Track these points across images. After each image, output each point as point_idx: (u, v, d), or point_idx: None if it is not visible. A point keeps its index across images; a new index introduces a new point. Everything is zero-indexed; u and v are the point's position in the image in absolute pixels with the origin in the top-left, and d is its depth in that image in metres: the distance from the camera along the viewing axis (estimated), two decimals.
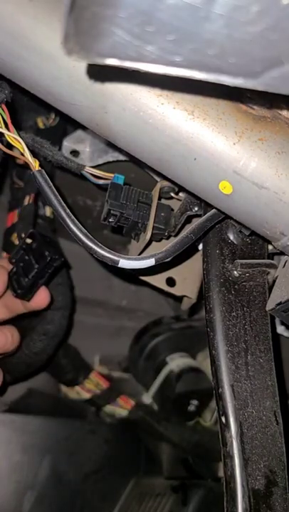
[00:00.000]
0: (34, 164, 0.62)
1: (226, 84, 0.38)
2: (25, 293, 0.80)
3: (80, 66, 0.52)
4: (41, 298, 0.82)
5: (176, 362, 1.18)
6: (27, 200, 0.92)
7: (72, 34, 0.34)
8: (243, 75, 0.37)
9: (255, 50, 0.36)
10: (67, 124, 0.91)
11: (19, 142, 0.62)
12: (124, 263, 0.63)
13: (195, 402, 1.17)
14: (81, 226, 0.62)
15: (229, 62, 0.36)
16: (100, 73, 0.51)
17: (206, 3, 0.33)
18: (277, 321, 0.87)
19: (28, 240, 0.78)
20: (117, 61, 0.36)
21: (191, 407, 1.17)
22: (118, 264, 0.63)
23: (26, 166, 0.64)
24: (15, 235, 0.97)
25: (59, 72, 0.53)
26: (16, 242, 0.96)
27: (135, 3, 0.33)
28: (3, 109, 0.62)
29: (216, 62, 0.36)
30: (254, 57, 0.36)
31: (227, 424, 0.63)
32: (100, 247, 0.62)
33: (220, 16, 0.34)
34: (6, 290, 0.80)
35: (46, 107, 0.83)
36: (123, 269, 0.64)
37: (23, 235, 0.80)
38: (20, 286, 0.79)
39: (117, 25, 0.34)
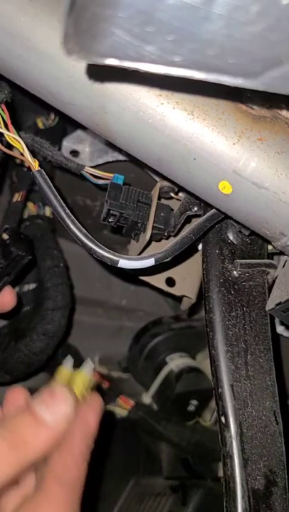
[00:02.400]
0: (34, 164, 0.62)
1: (226, 84, 0.38)
2: None
3: (80, 66, 0.52)
4: (5, 299, 0.79)
5: (176, 362, 1.18)
6: (16, 197, 0.91)
7: (72, 34, 0.34)
8: (243, 75, 0.37)
9: (255, 50, 0.36)
10: (67, 124, 0.91)
11: (19, 142, 0.62)
12: (124, 263, 0.63)
13: (195, 402, 1.17)
14: (81, 226, 0.62)
15: (229, 62, 0.36)
16: (99, 73, 0.51)
17: (205, 3, 0.33)
18: (277, 320, 0.87)
19: (5, 236, 0.77)
20: (117, 61, 0.36)
21: (191, 407, 1.17)
22: (118, 264, 0.63)
23: (26, 166, 0.64)
24: None
25: (59, 72, 0.53)
26: None
27: (135, 3, 0.33)
28: (2, 110, 0.62)
29: (216, 62, 0.36)
30: (254, 57, 0.36)
31: (227, 424, 0.63)
32: (100, 247, 0.62)
33: (220, 16, 0.34)
34: None
35: (46, 107, 0.83)
36: (123, 269, 0.64)
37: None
38: None
39: (116, 26, 0.34)
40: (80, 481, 0.53)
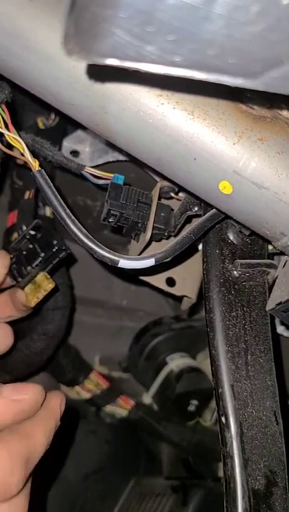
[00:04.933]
0: (34, 164, 0.62)
1: (226, 84, 0.38)
2: (23, 277, 0.78)
3: (80, 66, 0.52)
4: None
5: (176, 362, 1.18)
6: (27, 195, 0.91)
7: (72, 34, 0.34)
8: (243, 75, 0.37)
9: (255, 50, 0.36)
10: (68, 124, 0.91)
11: (19, 142, 0.62)
12: (124, 263, 0.63)
13: (195, 402, 1.17)
14: (81, 226, 0.62)
15: (229, 62, 0.36)
16: (99, 73, 0.51)
17: (205, 3, 0.33)
18: (277, 320, 0.87)
19: (32, 232, 0.77)
20: (117, 61, 0.36)
21: (191, 407, 1.17)
22: (118, 264, 0.63)
23: (26, 166, 0.64)
24: (15, 234, 0.97)
25: (59, 73, 0.53)
26: None
27: (135, 3, 0.33)
28: (3, 110, 0.62)
29: (216, 62, 0.36)
30: (254, 58, 0.36)
31: (227, 424, 0.63)
32: (100, 247, 0.62)
33: (220, 16, 0.34)
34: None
35: (46, 107, 0.83)
36: (123, 269, 0.64)
37: (23, 227, 0.79)
38: (21, 275, 0.78)
39: (117, 26, 0.34)
40: (36, 452, 0.55)
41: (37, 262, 0.76)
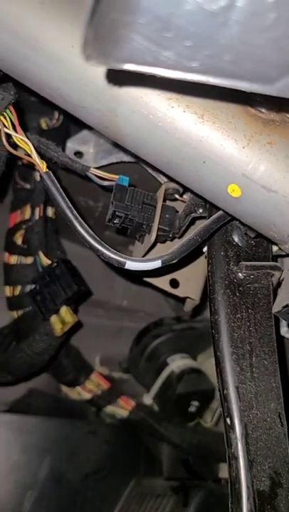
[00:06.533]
0: (42, 166, 0.62)
1: (242, 90, 0.38)
2: (48, 312, 0.89)
3: (91, 69, 0.52)
4: None
5: (177, 363, 1.18)
6: (37, 213, 0.94)
7: (92, 40, 0.34)
8: (258, 80, 0.37)
9: (271, 56, 0.36)
10: (71, 124, 0.91)
11: (27, 144, 0.62)
12: (131, 265, 0.63)
13: (196, 403, 1.17)
14: (88, 228, 0.62)
15: (245, 68, 0.37)
16: (113, 77, 0.52)
17: (223, 10, 0.34)
18: (283, 323, 0.87)
19: (57, 270, 0.87)
20: (135, 66, 0.36)
21: (192, 408, 1.17)
22: (125, 265, 0.63)
23: (31, 166, 0.64)
24: (17, 235, 0.97)
25: (69, 75, 0.53)
26: (18, 242, 0.96)
27: (153, 10, 0.33)
28: (11, 111, 0.62)
29: (232, 68, 0.36)
30: (270, 63, 0.36)
31: (232, 426, 0.63)
32: (107, 249, 0.63)
33: (237, 22, 0.34)
34: None
35: (50, 108, 0.83)
36: (127, 270, 0.64)
37: (47, 260, 0.89)
38: (45, 306, 0.89)
39: (135, 31, 0.34)
40: None
41: (60, 301, 0.87)
